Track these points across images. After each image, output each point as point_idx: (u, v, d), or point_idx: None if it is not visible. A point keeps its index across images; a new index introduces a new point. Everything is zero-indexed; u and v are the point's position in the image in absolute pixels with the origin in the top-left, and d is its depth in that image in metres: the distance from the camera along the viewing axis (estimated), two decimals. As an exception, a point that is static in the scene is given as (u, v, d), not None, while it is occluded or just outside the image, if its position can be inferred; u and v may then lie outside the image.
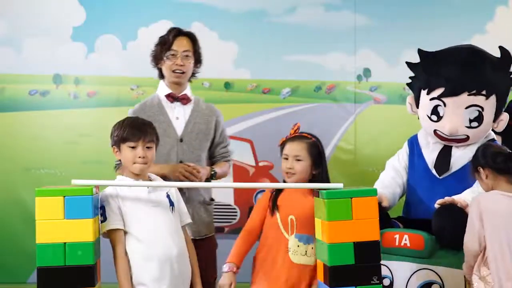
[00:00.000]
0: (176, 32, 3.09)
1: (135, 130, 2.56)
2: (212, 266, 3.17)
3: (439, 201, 2.79)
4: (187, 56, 3.08)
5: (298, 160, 2.69)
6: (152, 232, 2.50)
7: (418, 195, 3.13)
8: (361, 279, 2.24)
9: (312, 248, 2.64)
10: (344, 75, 4.61)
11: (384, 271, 2.69)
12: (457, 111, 3.02)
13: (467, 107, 3.02)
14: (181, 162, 3.03)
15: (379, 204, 2.84)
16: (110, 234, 2.49)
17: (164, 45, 3.06)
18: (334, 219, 2.24)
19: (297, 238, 2.69)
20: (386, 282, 2.76)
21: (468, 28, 4.45)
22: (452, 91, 3.02)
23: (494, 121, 3.07)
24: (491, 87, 3.01)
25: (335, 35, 4.59)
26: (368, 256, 2.25)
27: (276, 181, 4.42)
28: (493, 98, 3.03)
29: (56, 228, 2.14)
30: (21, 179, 4.38)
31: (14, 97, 4.45)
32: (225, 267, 2.67)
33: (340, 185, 2.33)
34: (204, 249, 2.97)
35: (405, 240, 2.81)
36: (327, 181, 2.72)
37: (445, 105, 3.04)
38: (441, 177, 3.06)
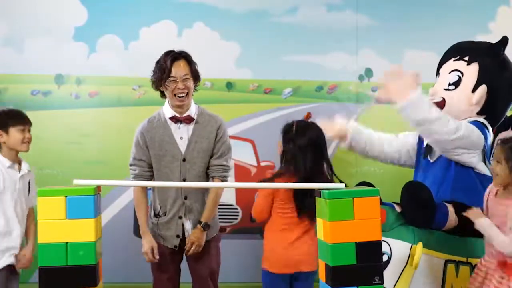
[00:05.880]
0: (172, 58, 3.12)
1: (22, 115, 3.28)
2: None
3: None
4: (186, 78, 3.13)
5: None
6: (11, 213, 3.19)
7: (416, 178, 3.30)
8: (362, 279, 2.24)
9: None
10: (345, 75, 4.60)
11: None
12: (443, 76, 3.29)
13: (450, 72, 3.25)
14: (184, 180, 3.13)
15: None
16: None
17: (163, 73, 3.10)
18: (336, 219, 2.24)
19: None
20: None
21: (470, 28, 4.44)
22: (442, 59, 3.35)
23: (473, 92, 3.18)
24: (474, 54, 3.22)
25: (337, 35, 4.58)
26: (370, 256, 2.26)
27: (277, 181, 4.42)
28: (475, 66, 3.20)
29: (58, 228, 2.14)
30: (22, 179, 4.38)
31: (16, 97, 4.44)
32: None
33: (342, 185, 2.35)
34: (215, 248, 3.26)
35: None
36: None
37: (439, 75, 3.35)
38: (432, 161, 3.20)
